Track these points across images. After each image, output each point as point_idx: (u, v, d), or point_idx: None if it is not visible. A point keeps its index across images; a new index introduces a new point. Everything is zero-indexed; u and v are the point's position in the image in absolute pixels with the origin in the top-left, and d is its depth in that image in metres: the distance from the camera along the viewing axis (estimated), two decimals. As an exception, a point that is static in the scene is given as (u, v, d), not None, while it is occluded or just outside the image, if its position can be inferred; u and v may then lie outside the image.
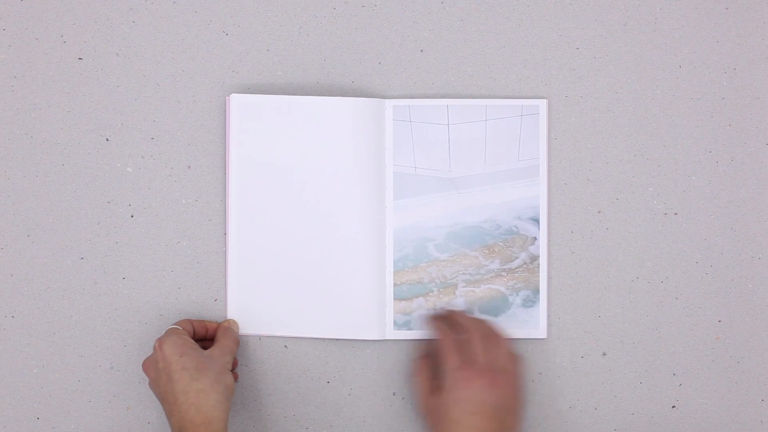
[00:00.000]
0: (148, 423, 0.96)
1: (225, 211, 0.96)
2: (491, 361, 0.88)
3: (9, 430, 0.96)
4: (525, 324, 0.96)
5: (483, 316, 0.94)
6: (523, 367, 0.92)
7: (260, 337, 0.97)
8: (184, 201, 0.97)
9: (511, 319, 0.96)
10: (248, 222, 0.95)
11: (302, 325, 0.95)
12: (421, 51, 0.97)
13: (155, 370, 0.88)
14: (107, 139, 0.97)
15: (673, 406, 0.97)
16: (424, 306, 0.96)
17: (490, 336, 0.90)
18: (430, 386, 0.90)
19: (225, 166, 0.96)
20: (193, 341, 0.89)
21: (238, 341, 0.93)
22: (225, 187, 0.96)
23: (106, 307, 0.96)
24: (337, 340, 0.96)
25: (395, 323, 0.96)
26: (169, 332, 0.89)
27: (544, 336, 0.96)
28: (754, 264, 0.97)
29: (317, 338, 0.96)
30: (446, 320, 0.93)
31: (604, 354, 0.97)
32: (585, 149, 0.97)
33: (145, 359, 0.90)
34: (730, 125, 0.97)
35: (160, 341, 0.88)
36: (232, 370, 0.94)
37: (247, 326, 0.95)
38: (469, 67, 0.97)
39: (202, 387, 0.85)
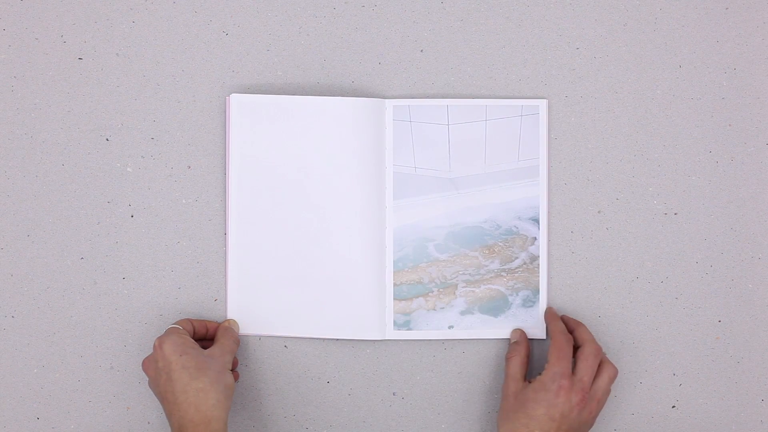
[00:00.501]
0: (148, 423, 0.96)
1: (225, 211, 0.96)
2: (591, 384, 0.89)
3: (9, 430, 0.96)
4: (525, 324, 0.96)
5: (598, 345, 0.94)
6: (606, 399, 0.92)
7: (260, 337, 0.97)
8: (184, 201, 0.97)
9: (511, 319, 0.96)
10: (248, 222, 0.95)
11: (302, 325, 0.95)
12: (421, 51, 0.97)
13: (155, 370, 0.88)
14: (107, 139, 0.97)
15: (673, 406, 0.97)
16: (424, 306, 0.96)
17: (603, 364, 0.90)
18: (521, 372, 0.92)
19: (225, 166, 0.96)
20: (193, 341, 0.89)
21: (238, 341, 0.93)
22: (225, 187, 0.96)
23: (106, 307, 0.96)
24: (337, 340, 0.97)
25: (395, 323, 0.96)
26: (169, 331, 0.89)
27: (544, 336, 0.96)
28: (754, 264, 0.97)
29: (317, 338, 0.96)
30: (566, 325, 0.94)
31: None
32: (585, 149, 0.97)
33: (145, 358, 0.90)
34: (730, 125, 0.97)
35: (160, 340, 0.88)
36: (233, 369, 0.94)
37: (247, 326, 0.95)
38: (469, 67, 0.97)
39: (201, 386, 0.85)
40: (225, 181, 0.96)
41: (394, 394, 0.97)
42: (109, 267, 0.96)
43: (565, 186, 0.97)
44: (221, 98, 0.97)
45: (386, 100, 0.96)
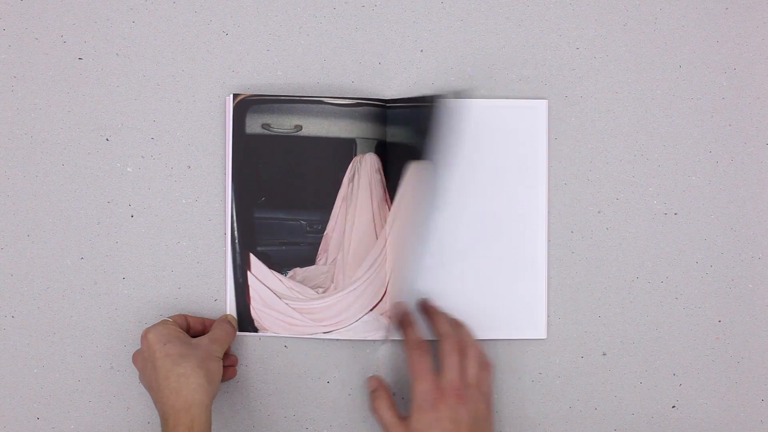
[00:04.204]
0: (148, 423, 0.96)
1: (225, 211, 0.96)
2: (462, 378, 0.88)
3: (9, 430, 0.96)
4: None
5: (457, 316, 0.94)
6: (492, 375, 0.92)
7: (260, 337, 0.97)
8: (184, 201, 0.97)
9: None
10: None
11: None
12: (421, 51, 0.98)
13: (142, 361, 0.88)
14: (107, 139, 0.97)
15: (673, 406, 0.97)
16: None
17: (464, 348, 0.90)
18: (395, 415, 0.90)
19: (225, 166, 0.96)
20: (180, 330, 0.89)
21: (231, 334, 0.93)
22: (225, 187, 0.96)
23: (106, 307, 0.96)
24: (337, 340, 0.97)
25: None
26: (156, 323, 0.89)
27: (544, 336, 0.97)
28: (754, 264, 0.97)
29: (317, 338, 0.96)
30: (416, 322, 0.92)
31: (604, 354, 0.97)
32: (585, 149, 0.97)
33: (134, 352, 0.91)
34: (730, 125, 0.98)
35: (146, 331, 0.88)
36: (231, 366, 0.94)
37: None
38: (469, 67, 0.97)
39: (183, 371, 0.84)
40: (225, 181, 0.96)
41: (394, 394, 0.97)
42: (109, 267, 0.96)
43: (565, 186, 0.97)
44: (221, 98, 0.97)
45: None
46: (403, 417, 0.89)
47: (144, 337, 0.88)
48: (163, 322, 0.90)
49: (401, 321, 0.93)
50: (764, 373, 0.97)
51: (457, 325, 0.92)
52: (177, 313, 0.95)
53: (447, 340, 0.89)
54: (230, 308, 0.96)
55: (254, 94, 0.96)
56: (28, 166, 0.97)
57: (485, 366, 0.90)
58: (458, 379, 0.87)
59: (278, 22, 0.97)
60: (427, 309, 0.94)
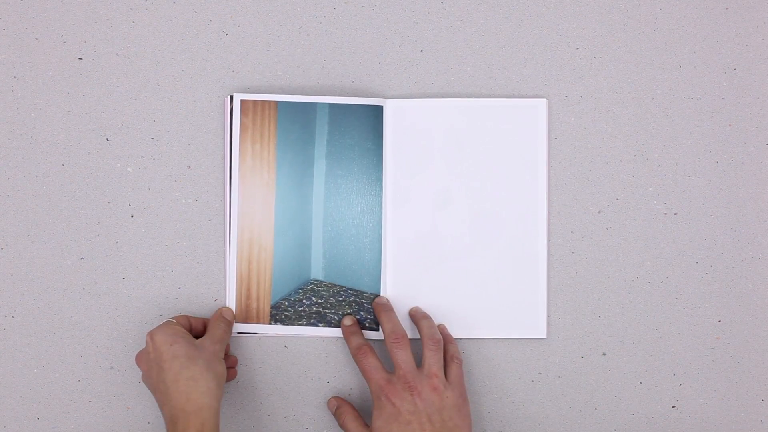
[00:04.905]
0: (148, 423, 0.96)
1: (225, 211, 0.96)
2: (413, 370, 0.88)
3: (9, 430, 0.96)
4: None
5: (420, 312, 0.94)
6: (458, 365, 0.92)
7: (260, 337, 0.97)
8: (184, 201, 0.97)
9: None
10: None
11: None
12: (421, 51, 0.98)
13: (147, 362, 0.88)
14: (107, 139, 0.97)
15: (673, 406, 0.97)
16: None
17: (428, 343, 0.90)
18: (361, 425, 0.91)
19: (225, 166, 0.96)
20: (184, 331, 0.89)
21: (228, 330, 0.93)
22: (225, 187, 0.96)
23: (106, 307, 0.96)
24: (338, 338, 0.96)
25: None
26: (162, 324, 0.89)
27: (544, 336, 0.97)
28: (754, 264, 0.97)
29: (317, 338, 0.96)
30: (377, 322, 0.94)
31: (604, 354, 0.97)
32: (585, 149, 0.97)
33: (138, 352, 0.91)
34: (730, 125, 0.98)
35: (151, 332, 0.88)
36: (232, 367, 0.95)
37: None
38: (469, 67, 0.97)
39: (192, 375, 0.84)
40: (225, 181, 0.96)
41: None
42: (109, 267, 0.96)
43: (565, 186, 0.97)
44: (221, 98, 0.97)
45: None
46: (367, 426, 0.91)
47: (150, 338, 0.88)
48: (168, 323, 0.90)
49: (347, 329, 0.94)
50: (764, 373, 0.97)
51: (421, 318, 0.93)
52: (179, 314, 0.95)
53: (392, 337, 0.90)
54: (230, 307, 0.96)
55: (254, 93, 0.96)
56: (28, 166, 0.97)
57: (454, 357, 0.91)
58: (408, 372, 0.88)
59: (278, 22, 0.97)
60: (378, 308, 0.95)
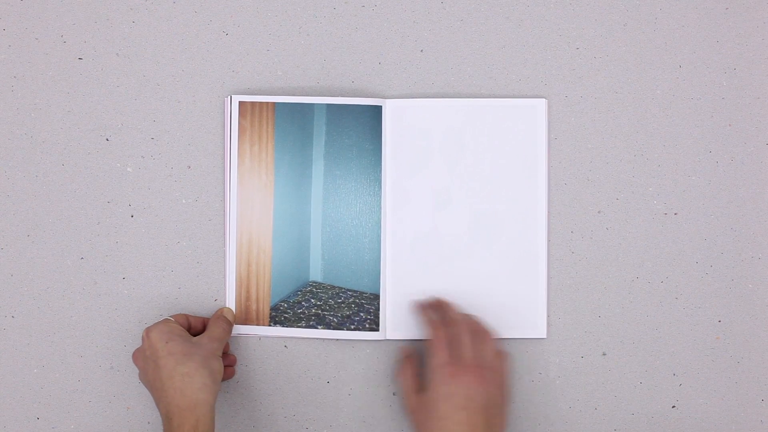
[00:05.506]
0: (148, 423, 0.96)
1: (225, 211, 0.96)
2: (479, 358, 0.87)
3: (9, 430, 0.96)
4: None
5: (471, 312, 0.94)
6: (509, 365, 0.92)
7: (260, 337, 0.97)
8: (184, 201, 0.97)
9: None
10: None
11: None
12: (421, 51, 0.97)
13: (143, 359, 0.88)
14: (107, 139, 0.97)
15: (673, 406, 0.97)
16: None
17: (478, 332, 0.90)
18: (415, 385, 0.91)
19: (225, 166, 0.96)
20: (181, 328, 0.89)
21: (228, 330, 0.93)
22: (225, 187, 0.96)
23: (106, 307, 0.96)
24: (337, 340, 0.97)
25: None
26: (158, 322, 0.89)
27: (544, 336, 0.97)
28: (754, 264, 0.97)
29: (317, 338, 0.96)
30: (436, 311, 0.93)
31: (604, 354, 0.97)
32: (585, 149, 0.97)
33: (135, 350, 0.91)
34: (730, 125, 0.97)
35: (148, 330, 0.88)
36: (231, 366, 0.95)
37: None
38: (469, 67, 0.97)
39: (187, 371, 0.84)
40: (225, 181, 0.96)
41: (394, 394, 0.97)
42: (109, 267, 0.96)
43: (565, 186, 0.97)
44: (221, 98, 0.97)
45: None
46: (421, 389, 0.89)
47: (146, 335, 0.88)
48: (165, 321, 0.90)
49: (421, 305, 0.94)
50: (764, 373, 0.97)
51: (469, 316, 0.92)
52: (178, 313, 0.95)
53: (459, 324, 0.90)
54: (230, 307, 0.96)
55: (254, 94, 0.96)
56: (28, 166, 0.97)
57: (502, 353, 0.90)
58: (474, 358, 0.87)
59: (278, 22, 0.97)
60: (438, 302, 0.94)
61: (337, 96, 0.97)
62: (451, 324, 0.90)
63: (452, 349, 0.88)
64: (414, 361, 0.93)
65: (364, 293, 0.96)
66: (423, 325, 0.93)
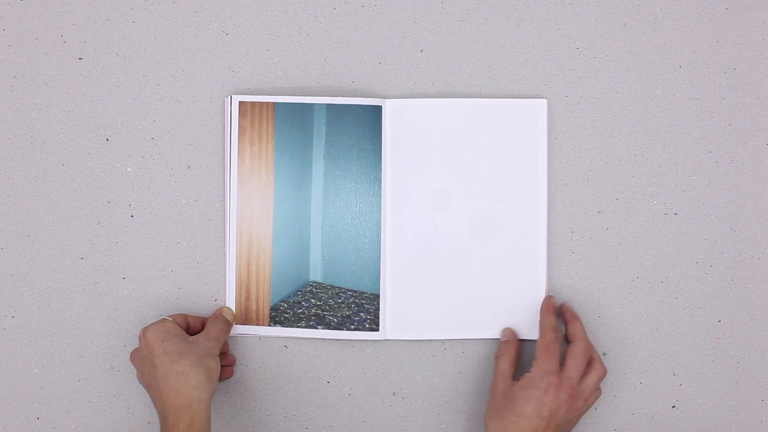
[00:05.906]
0: (148, 423, 0.96)
1: (225, 211, 0.96)
2: (582, 385, 0.89)
3: (9, 430, 0.96)
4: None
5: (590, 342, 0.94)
6: (595, 400, 0.93)
7: (260, 337, 0.97)
8: (184, 201, 0.97)
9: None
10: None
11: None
12: (421, 51, 0.97)
13: (140, 359, 0.88)
14: (107, 139, 0.97)
15: (673, 406, 0.97)
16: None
17: (595, 363, 0.91)
18: (509, 372, 0.92)
19: (225, 166, 0.96)
20: (177, 327, 0.90)
21: (226, 329, 0.93)
22: (225, 187, 0.96)
23: (106, 307, 0.96)
24: (337, 340, 0.97)
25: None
26: (155, 322, 0.90)
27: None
28: (754, 264, 0.97)
29: (317, 338, 0.96)
30: (563, 316, 0.94)
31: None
32: (585, 149, 0.97)
33: (132, 350, 0.91)
34: (730, 125, 0.97)
35: (144, 329, 0.88)
36: (229, 366, 0.95)
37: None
38: (469, 67, 0.97)
39: (182, 369, 0.85)
40: (225, 181, 0.96)
41: (394, 394, 0.97)
42: (109, 267, 0.96)
43: (565, 186, 0.97)
44: (221, 98, 0.97)
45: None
46: (514, 378, 0.91)
47: (142, 335, 0.88)
48: (162, 321, 0.90)
49: (542, 307, 0.94)
50: (764, 373, 0.97)
51: (589, 343, 0.92)
52: (177, 313, 0.95)
53: (582, 343, 0.91)
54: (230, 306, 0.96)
55: (254, 94, 0.96)
56: (28, 166, 0.97)
57: (598, 391, 0.91)
58: (576, 381, 0.89)
59: (278, 22, 0.97)
60: (567, 311, 0.95)
61: (337, 96, 0.97)
62: (573, 339, 0.91)
63: (567, 364, 0.89)
64: (516, 346, 0.94)
65: (364, 293, 0.96)
66: (543, 325, 0.92)
